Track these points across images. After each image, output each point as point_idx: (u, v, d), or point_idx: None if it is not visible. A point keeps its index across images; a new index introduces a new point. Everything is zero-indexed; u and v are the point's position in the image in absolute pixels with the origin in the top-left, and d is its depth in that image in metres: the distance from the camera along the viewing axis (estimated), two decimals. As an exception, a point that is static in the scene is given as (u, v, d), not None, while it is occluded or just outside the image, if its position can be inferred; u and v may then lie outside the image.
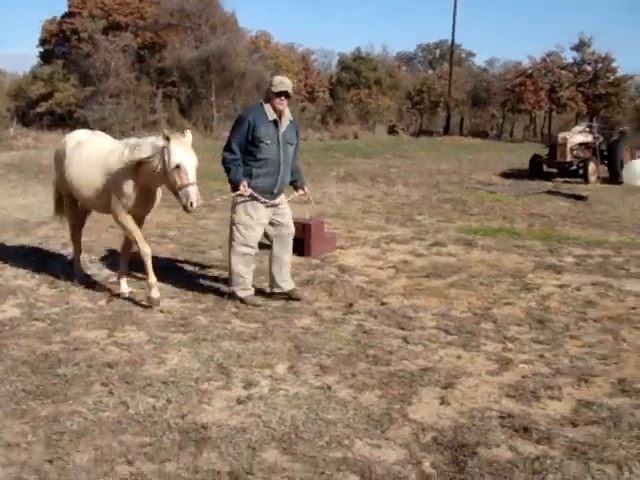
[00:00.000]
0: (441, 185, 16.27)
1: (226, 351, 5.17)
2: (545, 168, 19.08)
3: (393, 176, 17.94)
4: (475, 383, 4.75)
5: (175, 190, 5.88)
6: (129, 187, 6.21)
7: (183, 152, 5.82)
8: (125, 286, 6.69)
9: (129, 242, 6.65)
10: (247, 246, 6.43)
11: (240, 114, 6.74)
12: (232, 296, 6.48)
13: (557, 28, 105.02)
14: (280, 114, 6.29)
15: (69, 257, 7.88)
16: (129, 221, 6.37)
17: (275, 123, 6.29)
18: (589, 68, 47.54)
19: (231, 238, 6.48)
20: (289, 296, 6.59)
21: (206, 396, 4.38)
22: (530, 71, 45.74)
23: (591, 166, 17.70)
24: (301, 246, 8.19)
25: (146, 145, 6.06)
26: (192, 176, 5.80)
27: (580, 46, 47.71)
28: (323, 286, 7.03)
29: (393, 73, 52.15)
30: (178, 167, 5.76)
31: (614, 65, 47.30)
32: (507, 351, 5.39)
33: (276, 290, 6.67)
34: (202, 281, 7.23)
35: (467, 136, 42.58)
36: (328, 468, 3.53)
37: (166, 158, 5.81)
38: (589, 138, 19.33)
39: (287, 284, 6.67)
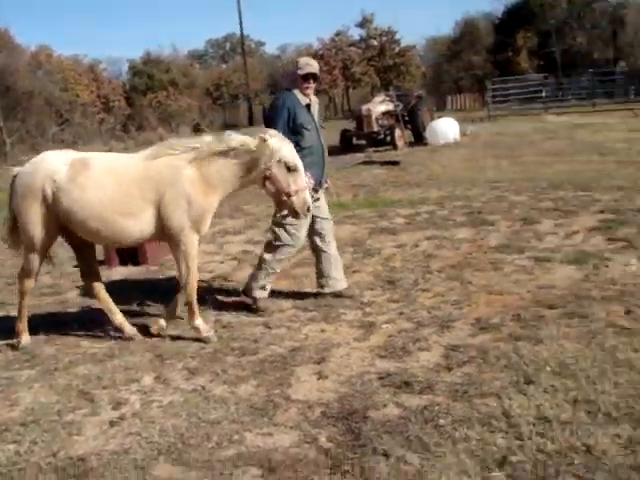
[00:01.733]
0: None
1: (83, 376, 4.79)
2: (355, 141, 19.75)
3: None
4: (346, 352, 4.77)
5: (282, 195, 5.14)
6: (213, 197, 5.17)
7: (294, 153, 5.16)
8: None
9: None
10: (293, 247, 5.95)
11: (274, 102, 5.99)
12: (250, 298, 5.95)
13: (341, 8, 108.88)
14: (310, 98, 5.84)
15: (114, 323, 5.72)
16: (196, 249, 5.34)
17: (308, 107, 5.82)
18: (375, 42, 49.84)
19: (276, 239, 5.87)
20: (341, 295, 5.99)
21: (74, 427, 4.02)
22: (321, 52, 47.08)
23: (397, 132, 18.57)
24: (135, 255, 7.84)
25: (238, 139, 5.11)
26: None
27: (364, 23, 49.88)
28: (170, 290, 6.72)
29: (187, 72, 51.59)
30: (295, 169, 5.10)
31: (397, 37, 50.00)
32: (368, 315, 5.48)
33: (327, 290, 6.01)
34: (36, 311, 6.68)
35: (272, 124, 43.03)
36: (225, 468, 3.38)
37: (272, 159, 5.01)
38: (390, 106, 20.24)
39: (341, 283, 6.07)
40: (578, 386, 3.84)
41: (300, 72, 5.68)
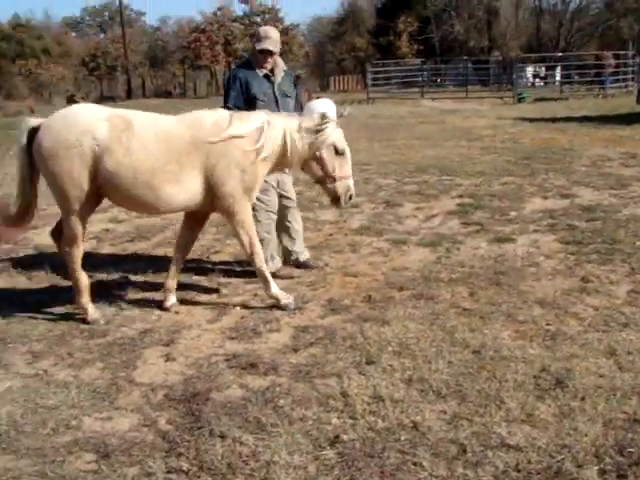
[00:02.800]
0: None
1: None
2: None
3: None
4: (197, 334, 4.76)
5: (327, 179, 5.15)
6: (264, 168, 5.06)
7: (343, 138, 5.14)
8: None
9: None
10: (272, 212, 5.85)
11: (230, 73, 5.98)
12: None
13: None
14: (272, 67, 5.69)
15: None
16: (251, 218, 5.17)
17: (267, 78, 5.68)
18: (259, 19, 49.45)
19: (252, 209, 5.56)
20: (305, 266, 6.07)
21: None
22: (203, 26, 46.24)
23: (272, 112, 18.54)
24: (-12, 233, 7.46)
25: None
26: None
27: (248, -1, 49.37)
28: (21, 271, 6.48)
29: (61, 40, 49.32)
30: (343, 154, 5.06)
31: (281, 15, 49.85)
32: (223, 297, 5.48)
33: (292, 262, 6.12)
34: None
35: (150, 97, 42.00)
36: (58, 454, 3.30)
37: (324, 139, 5.00)
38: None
39: (303, 255, 6.15)
40: (415, 365, 4.01)
41: (256, 46, 5.66)
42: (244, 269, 6.12)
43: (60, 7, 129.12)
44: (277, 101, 5.74)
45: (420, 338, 4.43)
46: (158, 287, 5.66)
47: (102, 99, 43.75)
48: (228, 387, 3.91)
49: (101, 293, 5.71)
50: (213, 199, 4.96)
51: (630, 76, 30.87)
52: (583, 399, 3.54)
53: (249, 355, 4.31)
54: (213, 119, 4.98)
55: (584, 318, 4.69)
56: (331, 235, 7.19)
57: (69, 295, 5.66)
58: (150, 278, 6.05)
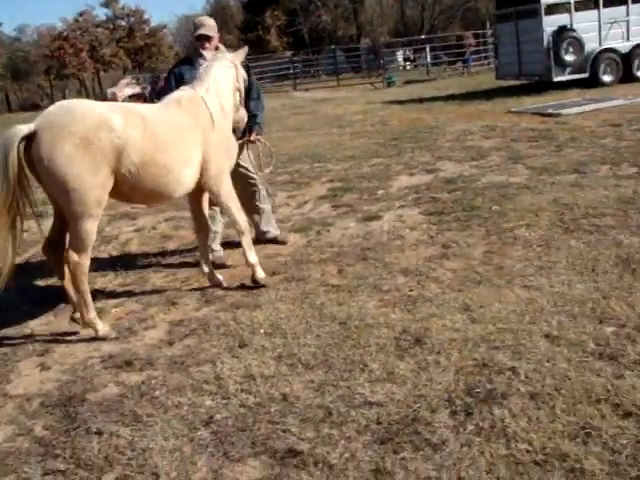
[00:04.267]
0: None
1: None
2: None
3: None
4: (72, 340, 4.76)
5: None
6: (231, 134, 5.46)
7: None
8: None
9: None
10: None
11: (167, 72, 6.18)
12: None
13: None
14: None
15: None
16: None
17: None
18: (124, 23, 48.40)
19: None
20: (276, 241, 6.54)
21: None
22: (66, 33, 44.76)
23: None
24: None
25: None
26: None
27: (109, 2, 48.17)
28: None
29: None
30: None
31: (146, 17, 48.97)
32: (98, 301, 5.45)
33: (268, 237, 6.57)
34: None
35: (16, 111, 40.30)
36: None
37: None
38: (137, 89, 19.96)
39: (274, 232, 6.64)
40: (285, 343, 4.20)
41: (194, 34, 5.83)
42: (119, 272, 6.14)
43: None
44: None
45: (290, 317, 4.62)
46: (28, 300, 5.60)
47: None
48: (104, 386, 3.96)
49: None
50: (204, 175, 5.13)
51: (490, 54, 32.39)
52: (439, 353, 3.84)
53: (124, 354, 4.37)
54: (193, 99, 5.12)
55: (443, 281, 5.02)
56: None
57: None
58: (21, 293, 5.95)
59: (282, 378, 3.75)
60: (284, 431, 3.22)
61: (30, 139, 4.29)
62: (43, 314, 5.36)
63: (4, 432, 3.60)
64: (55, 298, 5.51)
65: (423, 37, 38.99)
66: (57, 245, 4.81)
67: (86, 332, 4.83)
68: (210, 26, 5.81)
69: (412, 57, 41.34)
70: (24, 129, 4.31)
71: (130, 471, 3.08)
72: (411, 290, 4.92)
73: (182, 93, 5.17)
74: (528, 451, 2.86)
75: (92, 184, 4.35)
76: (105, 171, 4.41)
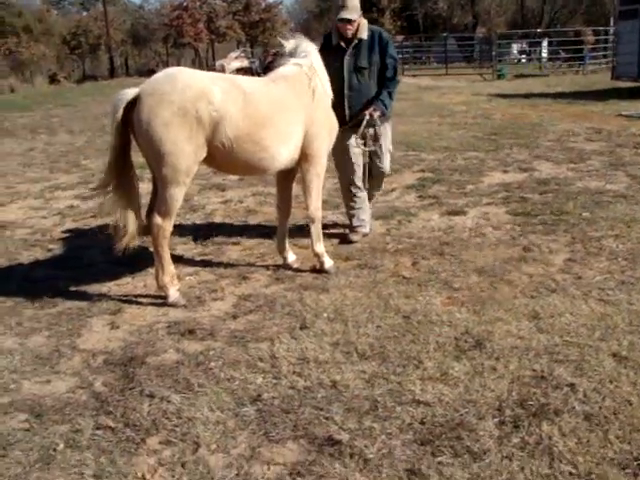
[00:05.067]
0: (107, 127, 15.90)
1: None
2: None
3: (55, 126, 17.10)
4: (144, 303, 4.92)
5: None
6: (332, 113, 5.47)
7: None
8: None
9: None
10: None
11: None
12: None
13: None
14: (350, 38, 5.70)
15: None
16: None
17: (339, 47, 5.74)
18: (241, -4, 49.20)
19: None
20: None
21: None
22: (185, 3, 45.91)
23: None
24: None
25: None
26: None
27: (229, -24, 48.96)
28: (-19, 246, 6.60)
29: (42, 18, 48.76)
30: None
31: (264, -7, 49.56)
32: (176, 268, 5.60)
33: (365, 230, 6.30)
34: None
35: (134, 76, 41.69)
36: (-7, 415, 3.47)
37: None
38: (245, 62, 20.25)
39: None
40: (345, 330, 4.19)
41: (337, 15, 5.65)
42: (198, 243, 6.28)
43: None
44: (342, 73, 5.77)
45: (355, 305, 4.61)
46: (110, 260, 5.80)
47: (85, 78, 43.36)
48: (165, 352, 4.08)
49: (57, 265, 5.89)
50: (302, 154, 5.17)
51: (609, 52, 31.00)
52: (497, 359, 3.73)
53: (189, 322, 4.49)
54: (299, 76, 5.16)
55: (517, 285, 4.88)
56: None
57: (25, 269, 5.83)
58: (105, 252, 6.17)
59: (335, 365, 3.75)
60: (327, 418, 3.22)
61: (134, 103, 4.48)
62: (122, 274, 5.54)
63: (67, 383, 3.77)
64: (136, 260, 5.69)
65: (539, 30, 37.70)
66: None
67: (158, 296, 4.97)
68: (352, 8, 5.60)
69: (528, 50, 40.06)
70: (129, 94, 4.52)
71: (173, 437, 3.16)
72: (482, 291, 4.81)
73: (290, 69, 5.21)
74: (571, 474, 2.76)
75: (185, 152, 4.49)
76: (199, 141, 4.53)
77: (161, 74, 4.75)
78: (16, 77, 40.10)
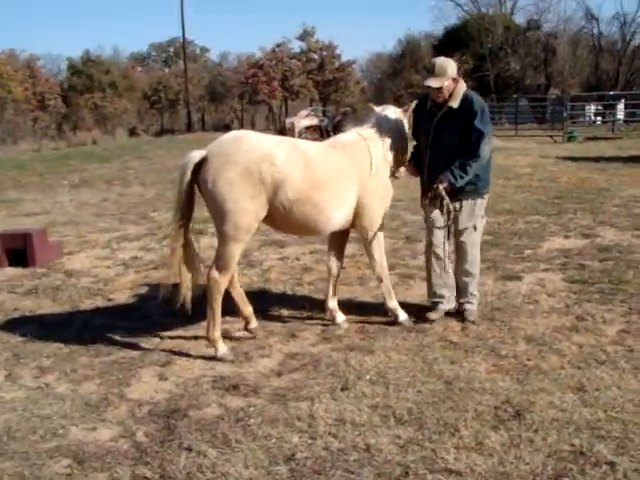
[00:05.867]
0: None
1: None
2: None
3: (130, 177, 17.82)
4: (193, 356, 5.05)
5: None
6: (388, 180, 5.55)
7: None
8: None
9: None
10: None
11: None
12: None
13: (282, 18, 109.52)
14: (441, 103, 5.37)
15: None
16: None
17: (430, 111, 5.48)
18: (316, 56, 50.47)
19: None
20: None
21: None
22: (262, 62, 47.41)
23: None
24: (24, 257, 7.97)
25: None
26: None
27: (305, 35, 50.47)
28: (47, 293, 6.91)
29: (127, 74, 51.19)
30: None
31: (338, 52, 50.75)
32: (226, 323, 5.74)
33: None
34: None
35: (210, 131, 43.04)
36: (40, 458, 3.62)
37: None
38: (315, 121, 20.73)
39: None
40: (385, 394, 4.21)
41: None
42: (253, 298, 6.40)
43: (128, 43, 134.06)
44: (428, 137, 5.49)
45: (399, 368, 4.62)
46: (166, 312, 5.98)
47: (162, 132, 45.06)
48: (207, 406, 4.18)
49: (116, 315, 6.11)
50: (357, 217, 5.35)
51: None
52: (536, 431, 3.68)
53: (235, 377, 4.59)
54: (358, 143, 5.33)
55: (565, 355, 4.81)
56: (344, 268, 7.40)
57: (85, 317, 6.07)
58: (162, 305, 6.37)
59: (371, 428, 3.77)
60: (356, 482, 3.24)
61: (202, 162, 4.78)
62: (175, 327, 5.71)
63: (111, 431, 3.91)
64: (190, 314, 5.85)
65: (611, 93, 37.26)
66: None
67: (207, 350, 5.10)
68: (441, 73, 5.22)
69: (603, 112, 39.57)
70: (197, 155, 4.81)
71: (205, 492, 3.23)
72: (529, 359, 4.75)
73: (349, 136, 5.44)
74: None
75: (247, 210, 4.74)
76: (261, 201, 4.79)
77: (227, 136, 5.03)
78: (99, 129, 42.00)
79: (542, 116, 39.16)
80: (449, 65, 5.30)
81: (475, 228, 5.61)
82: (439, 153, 5.42)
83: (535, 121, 38.26)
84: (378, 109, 5.65)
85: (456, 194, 5.38)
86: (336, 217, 5.17)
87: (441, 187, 5.30)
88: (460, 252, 5.71)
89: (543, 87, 48.49)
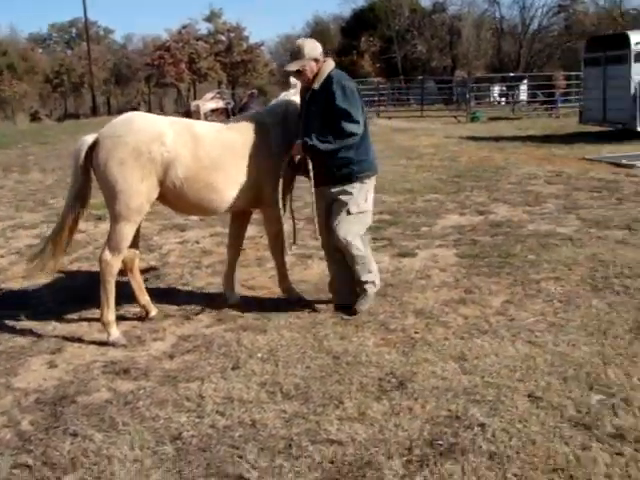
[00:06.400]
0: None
1: None
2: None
3: (29, 164, 17.26)
4: (86, 342, 5.00)
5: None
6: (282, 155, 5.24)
7: None
8: None
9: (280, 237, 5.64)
10: None
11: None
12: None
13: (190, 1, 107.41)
14: (308, 85, 5.16)
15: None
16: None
17: (304, 95, 5.29)
18: (223, 38, 49.91)
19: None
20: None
21: None
22: (168, 44, 46.53)
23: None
24: None
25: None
26: None
27: (212, 17, 49.81)
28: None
29: (27, 56, 49.21)
30: None
31: (246, 34, 50.33)
32: (120, 309, 5.67)
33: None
34: None
35: (115, 115, 41.93)
36: None
37: None
38: (220, 103, 20.54)
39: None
40: (274, 371, 4.30)
41: None
42: (150, 281, 6.37)
43: (27, 23, 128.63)
44: (303, 119, 5.26)
45: (290, 345, 4.72)
46: (59, 299, 5.89)
47: (66, 116, 43.64)
48: (97, 391, 4.15)
49: (5, 304, 5.96)
50: (257, 198, 5.31)
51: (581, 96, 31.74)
52: (416, 399, 3.85)
53: (126, 362, 4.57)
54: (256, 124, 5.28)
55: (451, 326, 5.01)
56: (243, 249, 7.45)
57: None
58: (56, 292, 6.26)
59: (258, 404, 3.85)
60: (240, 457, 3.32)
61: (94, 145, 4.80)
62: (68, 313, 5.61)
63: (-5, 422, 3.84)
64: (82, 299, 5.78)
65: (512, 75, 38.55)
66: (130, 246, 5.12)
67: (100, 335, 5.06)
68: (298, 56, 5.10)
69: (507, 93, 40.87)
70: (90, 139, 4.86)
71: (89, 475, 3.24)
72: (416, 332, 4.93)
73: (249, 116, 5.49)
74: (464, 511, 2.86)
75: (138, 191, 4.76)
76: (152, 181, 4.81)
77: (120, 118, 5.07)
78: (-2, 114, 40.33)
79: (449, 97, 40.09)
80: (306, 46, 5.10)
81: (349, 212, 5.25)
82: (306, 136, 5.07)
83: (442, 102, 39.14)
84: (285, 92, 5.69)
85: (331, 179, 5.19)
86: (231, 197, 5.18)
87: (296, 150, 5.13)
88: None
89: (449, 69, 49.63)
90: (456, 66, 49.93)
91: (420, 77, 37.89)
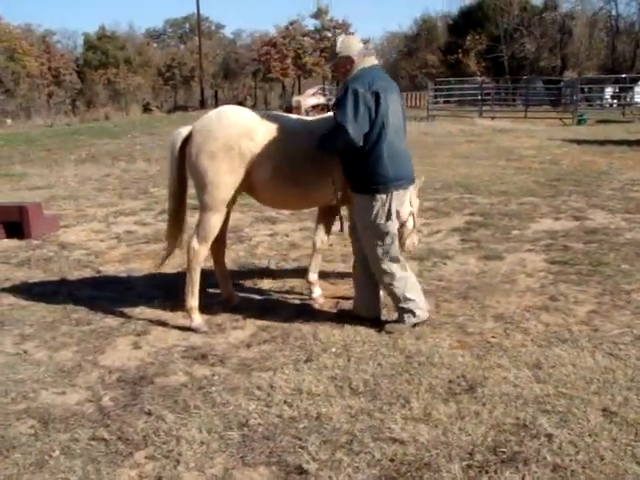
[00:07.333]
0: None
1: None
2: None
3: (136, 153, 17.99)
4: (170, 327, 5.21)
5: None
6: None
7: None
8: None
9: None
10: None
11: None
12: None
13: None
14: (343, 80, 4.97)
15: None
16: None
17: None
18: (329, 34, 50.25)
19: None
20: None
21: None
22: (275, 40, 47.29)
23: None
24: (19, 229, 8.16)
25: None
26: None
27: (319, 14, 50.25)
28: (39, 264, 7.09)
29: (142, 50, 51.23)
30: None
31: (352, 30, 50.40)
32: (208, 297, 5.88)
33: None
34: None
35: (222, 108, 43.03)
36: (7, 419, 3.79)
37: None
38: (321, 99, 20.71)
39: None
40: (345, 365, 4.35)
41: None
42: (235, 272, 6.56)
43: (144, 19, 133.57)
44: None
45: (365, 342, 4.75)
46: (151, 284, 6.15)
47: (176, 108, 45.12)
48: (174, 374, 4.33)
49: (101, 286, 6.28)
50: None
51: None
52: (484, 404, 3.80)
53: (205, 347, 4.74)
54: None
55: (530, 333, 4.91)
56: (331, 245, 7.53)
57: (72, 288, 6.24)
58: (148, 277, 6.55)
59: (326, 398, 3.90)
60: (302, 448, 3.38)
61: (188, 138, 5.06)
62: (157, 298, 5.86)
63: (79, 395, 4.08)
64: (171, 286, 6.02)
65: (624, 76, 36.91)
66: (218, 238, 5.33)
67: (184, 321, 5.26)
68: (335, 53, 4.94)
69: (619, 95, 39.22)
70: (184, 131, 5.13)
71: (158, 453, 3.39)
72: (493, 337, 4.86)
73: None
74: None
75: (225, 183, 4.96)
76: (239, 175, 4.98)
77: (213, 112, 5.25)
78: (112, 106, 42.14)
79: (556, 98, 38.84)
80: (339, 44, 4.90)
81: (367, 230, 4.95)
82: None
83: (549, 103, 37.97)
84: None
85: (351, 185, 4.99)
86: (321, 192, 5.17)
87: None
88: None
89: (558, 69, 48.04)
90: (566, 66, 48.30)
91: (525, 77, 36.85)
